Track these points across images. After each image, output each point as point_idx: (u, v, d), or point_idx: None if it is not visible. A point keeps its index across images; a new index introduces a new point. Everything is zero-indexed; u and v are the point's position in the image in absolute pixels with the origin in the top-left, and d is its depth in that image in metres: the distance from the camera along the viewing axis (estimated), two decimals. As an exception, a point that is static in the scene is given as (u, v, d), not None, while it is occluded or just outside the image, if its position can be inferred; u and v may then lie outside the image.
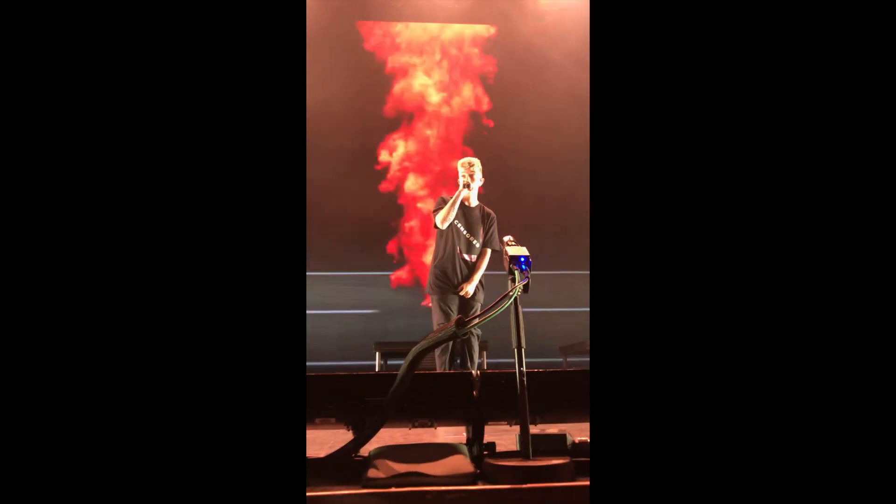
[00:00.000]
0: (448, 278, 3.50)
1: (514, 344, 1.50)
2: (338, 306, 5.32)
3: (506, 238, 1.63)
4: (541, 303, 5.20)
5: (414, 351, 1.47)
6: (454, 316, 3.41)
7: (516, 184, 5.64)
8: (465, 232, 3.52)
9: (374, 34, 6.20)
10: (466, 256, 3.51)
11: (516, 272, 1.48)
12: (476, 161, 3.59)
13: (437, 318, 3.54)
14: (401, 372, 1.50)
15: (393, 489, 1.33)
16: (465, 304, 3.52)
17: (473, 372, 1.62)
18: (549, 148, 5.85)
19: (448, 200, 3.49)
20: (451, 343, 3.48)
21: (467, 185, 3.46)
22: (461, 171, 3.54)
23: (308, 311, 5.57)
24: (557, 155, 5.80)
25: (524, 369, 1.47)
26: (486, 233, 3.58)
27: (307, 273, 5.41)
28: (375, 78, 6.05)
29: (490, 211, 3.61)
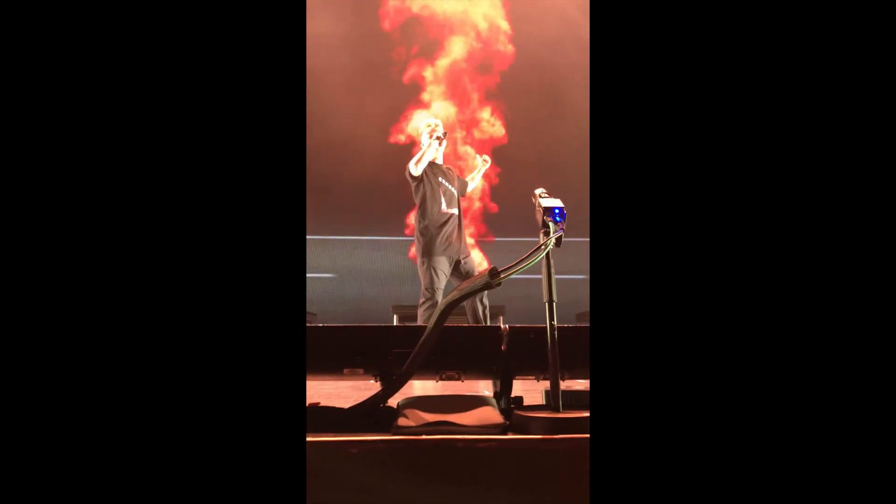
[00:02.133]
0: (441, 238, 3.45)
1: (546, 298, 1.48)
2: (353, 270, 5.31)
3: (538, 190, 1.61)
4: (558, 269, 5.17)
5: (445, 302, 1.46)
6: (446, 277, 3.42)
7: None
8: (448, 185, 3.51)
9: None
10: (454, 210, 3.49)
11: (550, 224, 1.46)
12: (441, 122, 3.58)
13: (426, 282, 3.45)
14: (430, 324, 1.49)
15: (423, 437, 1.33)
16: (458, 265, 3.49)
17: (502, 326, 1.61)
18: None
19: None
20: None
21: (440, 139, 3.46)
22: (426, 130, 3.55)
23: (322, 275, 5.59)
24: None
25: (555, 323, 1.46)
26: (461, 184, 3.60)
27: (319, 237, 5.42)
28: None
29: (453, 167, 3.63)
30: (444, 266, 3.43)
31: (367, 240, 5.70)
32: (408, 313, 4.45)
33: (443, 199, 3.48)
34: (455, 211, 3.51)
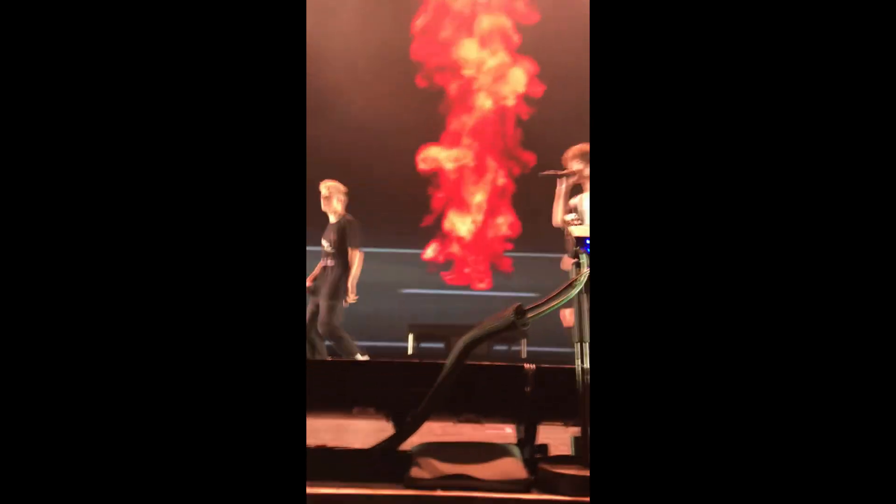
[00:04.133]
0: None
1: (576, 338, 1.34)
2: (366, 285, 5.20)
3: (568, 217, 1.47)
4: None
5: (465, 340, 1.33)
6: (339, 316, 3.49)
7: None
8: (325, 244, 3.72)
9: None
10: (328, 262, 3.69)
11: (582, 256, 1.32)
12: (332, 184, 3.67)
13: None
14: (449, 362, 1.36)
15: (439, 492, 1.20)
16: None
17: (526, 365, 1.47)
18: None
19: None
20: None
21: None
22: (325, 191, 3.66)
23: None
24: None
25: (587, 366, 1.31)
26: (339, 239, 3.74)
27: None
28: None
29: (350, 218, 3.73)
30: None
31: (383, 252, 5.56)
32: (425, 333, 4.31)
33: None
34: (328, 262, 3.63)
